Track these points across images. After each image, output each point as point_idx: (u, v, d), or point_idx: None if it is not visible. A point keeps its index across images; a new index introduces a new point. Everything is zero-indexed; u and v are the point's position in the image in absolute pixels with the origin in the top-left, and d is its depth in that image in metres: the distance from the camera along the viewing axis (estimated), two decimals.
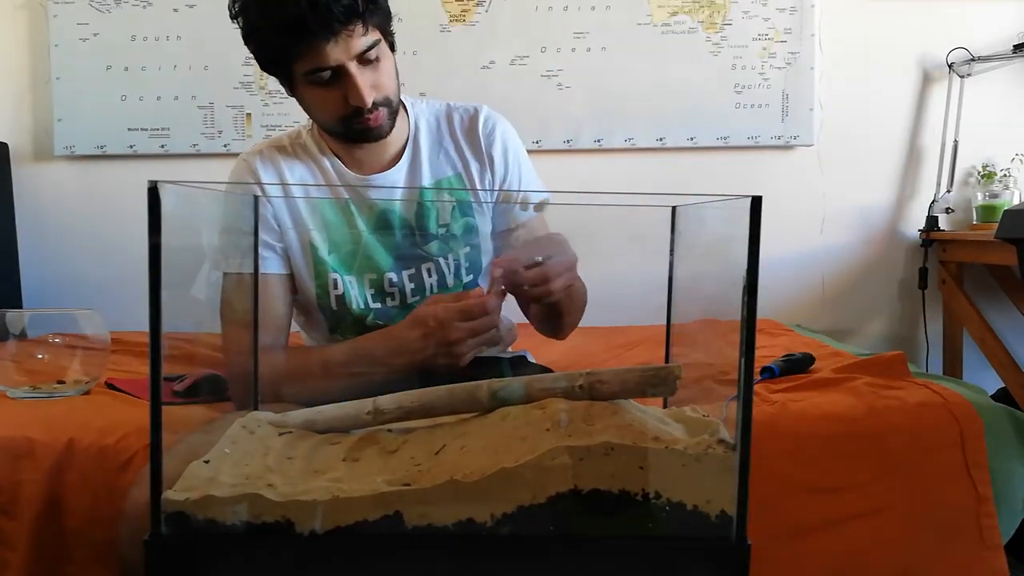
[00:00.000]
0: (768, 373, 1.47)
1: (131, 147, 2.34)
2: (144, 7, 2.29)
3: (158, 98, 2.33)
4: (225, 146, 2.34)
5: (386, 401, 0.74)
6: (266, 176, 1.22)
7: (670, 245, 0.83)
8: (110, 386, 1.46)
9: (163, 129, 2.34)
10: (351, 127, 1.15)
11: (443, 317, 1.04)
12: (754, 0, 2.33)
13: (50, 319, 1.54)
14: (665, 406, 0.79)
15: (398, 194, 1.26)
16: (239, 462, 0.67)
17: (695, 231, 0.80)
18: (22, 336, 1.40)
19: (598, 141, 2.34)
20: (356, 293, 1.22)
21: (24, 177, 2.37)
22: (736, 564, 0.59)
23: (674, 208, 0.82)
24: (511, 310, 1.29)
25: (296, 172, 1.23)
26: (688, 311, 0.84)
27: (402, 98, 1.25)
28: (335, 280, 1.21)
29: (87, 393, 1.41)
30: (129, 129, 2.34)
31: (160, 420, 0.58)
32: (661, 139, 2.34)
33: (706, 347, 0.80)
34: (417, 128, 1.26)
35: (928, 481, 1.18)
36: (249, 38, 1.12)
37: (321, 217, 1.22)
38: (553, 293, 1.04)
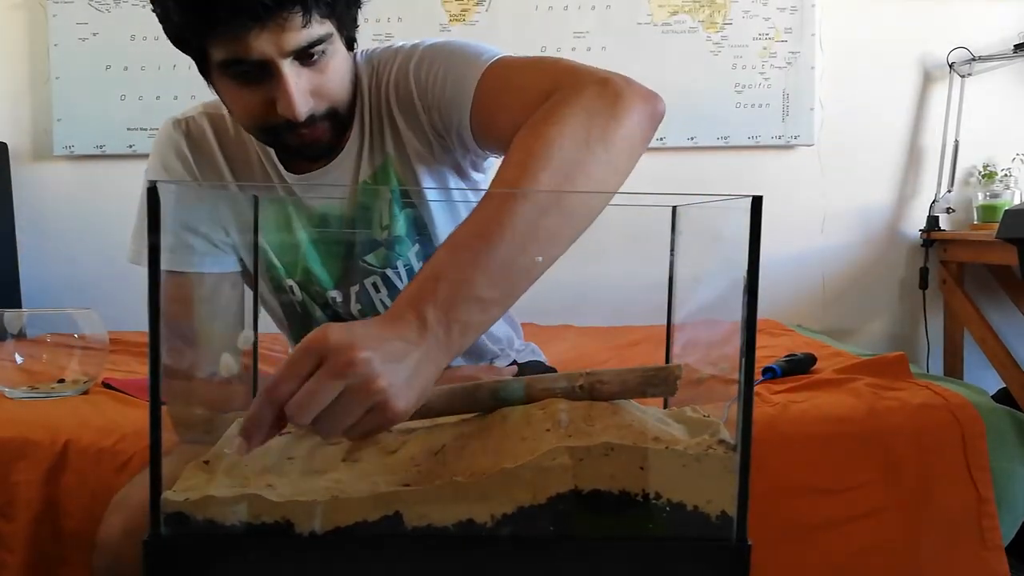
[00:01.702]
0: (770, 373, 1.47)
1: (130, 147, 2.34)
2: (144, 7, 2.28)
3: (158, 98, 2.33)
4: None
5: None
6: (196, 157, 1.00)
7: (670, 245, 0.83)
8: (108, 386, 1.46)
9: None
10: (280, 140, 0.91)
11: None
12: (754, 0, 2.33)
13: (49, 319, 1.54)
14: (665, 406, 0.79)
15: (325, 193, 1.01)
16: (238, 462, 0.67)
17: (695, 231, 0.80)
18: (21, 336, 1.40)
19: None
20: (307, 300, 1.04)
21: (23, 177, 2.36)
22: (736, 564, 0.59)
23: (674, 208, 0.82)
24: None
25: (238, 148, 1.01)
26: (688, 311, 0.84)
27: (357, 60, 0.98)
28: (291, 286, 1.03)
29: (85, 393, 1.41)
30: (128, 129, 2.34)
31: (160, 420, 0.57)
32: (661, 139, 2.34)
33: (707, 347, 0.79)
34: (367, 103, 0.98)
35: (929, 482, 1.18)
36: (162, 10, 0.84)
37: (264, 215, 0.92)
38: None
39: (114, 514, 0.86)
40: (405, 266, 1.01)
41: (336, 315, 1.04)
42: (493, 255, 0.64)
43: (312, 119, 0.88)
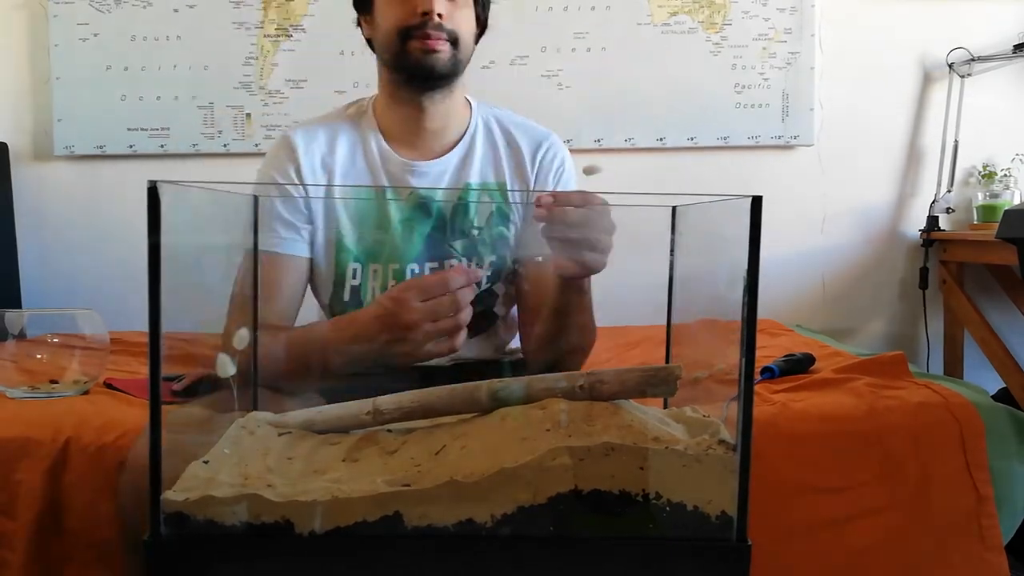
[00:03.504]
0: (768, 373, 1.47)
1: (131, 147, 2.34)
2: (144, 7, 2.29)
3: (158, 98, 2.33)
4: (225, 146, 2.34)
5: (386, 401, 0.74)
6: (304, 155, 1.18)
7: (670, 245, 0.83)
8: (109, 386, 1.46)
9: (163, 129, 2.34)
10: (408, 42, 1.11)
11: (398, 295, 0.89)
12: (754, 0, 2.33)
13: (49, 319, 1.53)
14: (665, 406, 0.79)
15: (440, 184, 1.21)
16: (238, 462, 0.67)
17: (695, 231, 0.80)
18: (21, 336, 1.40)
19: (598, 141, 2.33)
20: (375, 284, 1.17)
21: (24, 177, 2.36)
22: (736, 564, 0.59)
23: (674, 208, 0.82)
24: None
25: (340, 145, 1.20)
26: (688, 311, 0.84)
27: (469, 99, 1.24)
28: (354, 270, 1.17)
29: (86, 393, 1.41)
30: (129, 129, 2.34)
31: (160, 420, 0.57)
32: (661, 139, 2.34)
33: (706, 347, 0.79)
34: (477, 126, 1.23)
35: (929, 481, 1.18)
36: None
37: (352, 202, 1.19)
38: (587, 259, 0.90)
39: (137, 446, 0.95)
40: (478, 265, 1.19)
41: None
42: None
43: (440, 28, 1.10)
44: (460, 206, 1.19)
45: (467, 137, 1.22)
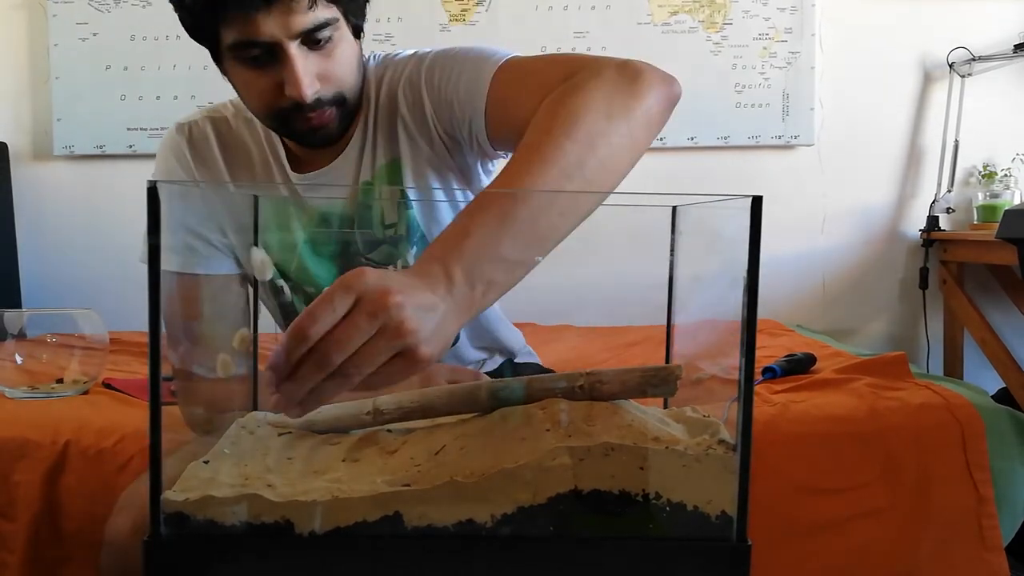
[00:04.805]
0: (770, 373, 1.47)
1: (130, 147, 2.34)
2: (144, 7, 2.29)
3: (158, 98, 2.33)
4: None
5: (386, 401, 0.74)
6: (196, 161, 1.02)
7: (670, 245, 0.83)
8: (109, 386, 1.46)
9: (163, 129, 2.31)
10: (288, 124, 0.93)
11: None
12: (754, 0, 2.33)
13: (49, 319, 1.53)
14: (665, 406, 0.79)
15: (332, 193, 1.03)
16: (238, 462, 0.67)
17: (695, 231, 0.80)
18: (21, 336, 1.40)
19: None
20: (301, 307, 0.99)
21: (23, 177, 2.36)
22: (736, 564, 0.59)
23: (674, 208, 0.82)
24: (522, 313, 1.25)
25: (239, 150, 1.03)
26: (688, 311, 0.84)
27: (368, 65, 1.01)
28: (281, 286, 1.05)
29: (85, 393, 1.41)
30: (128, 129, 2.34)
31: (160, 420, 0.57)
32: (661, 139, 2.34)
33: (707, 347, 0.79)
34: (373, 105, 1.00)
35: (929, 482, 1.18)
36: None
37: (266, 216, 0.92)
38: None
39: (121, 512, 0.86)
40: (404, 267, 1.01)
41: None
42: (518, 215, 0.65)
43: (319, 102, 0.90)
44: (363, 210, 1.03)
45: (361, 123, 1.01)
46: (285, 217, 1.04)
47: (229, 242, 1.02)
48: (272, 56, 0.87)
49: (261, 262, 0.71)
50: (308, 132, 0.93)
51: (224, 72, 0.95)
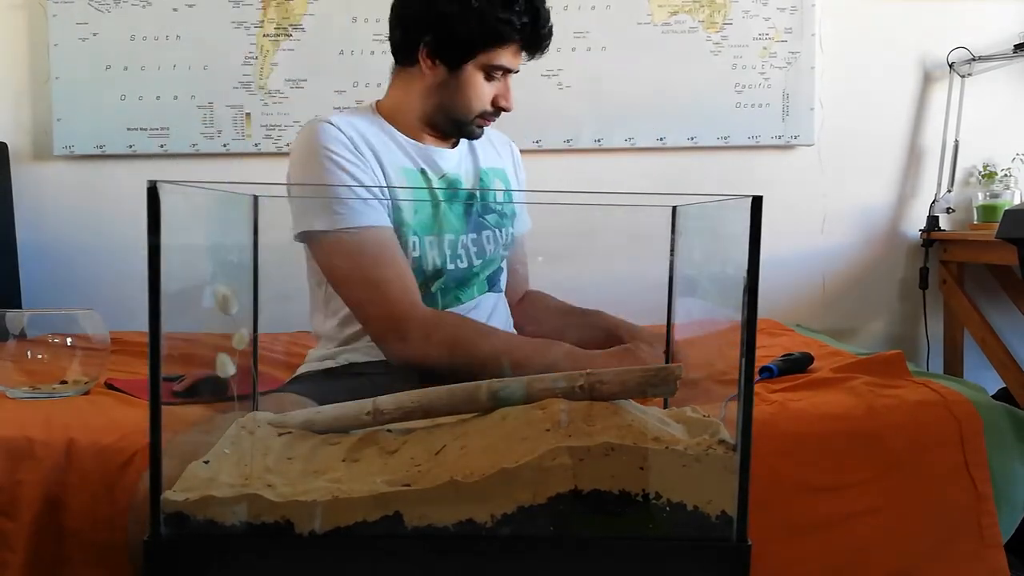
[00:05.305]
0: (767, 373, 1.47)
1: (130, 147, 2.34)
2: (144, 7, 2.29)
3: (157, 98, 2.33)
4: (224, 146, 2.33)
5: (386, 401, 0.74)
6: (354, 133, 1.26)
7: (670, 245, 0.83)
8: (109, 386, 1.46)
9: (162, 129, 2.34)
10: (472, 123, 1.30)
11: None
12: (754, 0, 2.33)
13: (50, 319, 1.53)
14: (665, 406, 0.79)
15: (459, 168, 1.38)
16: (238, 463, 0.67)
17: (695, 231, 0.80)
18: (22, 336, 1.40)
19: (598, 141, 2.33)
20: (434, 254, 1.28)
21: (23, 177, 2.36)
22: (736, 564, 0.59)
23: (674, 208, 0.82)
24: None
25: (370, 131, 1.29)
26: (688, 311, 0.84)
27: None
28: (414, 242, 1.27)
29: (87, 393, 1.41)
30: (128, 129, 2.34)
31: (160, 420, 0.58)
32: (661, 139, 2.34)
33: (706, 347, 0.79)
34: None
35: (928, 480, 1.18)
36: (464, 12, 1.21)
37: (404, 182, 1.30)
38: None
39: (146, 480, 0.90)
40: (504, 234, 1.39)
41: (456, 258, 1.33)
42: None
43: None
44: (484, 186, 1.40)
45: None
46: (427, 181, 1.33)
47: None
48: (500, 78, 1.28)
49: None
50: (480, 129, 1.33)
51: (451, 69, 1.27)
